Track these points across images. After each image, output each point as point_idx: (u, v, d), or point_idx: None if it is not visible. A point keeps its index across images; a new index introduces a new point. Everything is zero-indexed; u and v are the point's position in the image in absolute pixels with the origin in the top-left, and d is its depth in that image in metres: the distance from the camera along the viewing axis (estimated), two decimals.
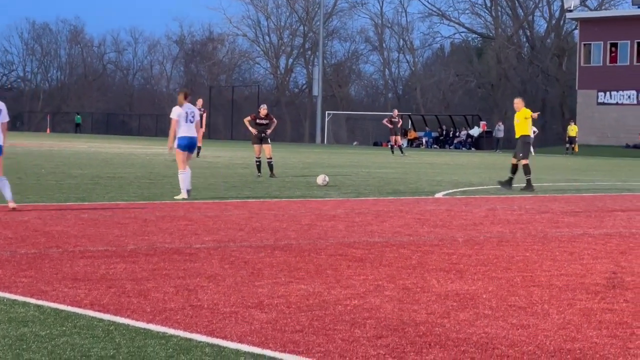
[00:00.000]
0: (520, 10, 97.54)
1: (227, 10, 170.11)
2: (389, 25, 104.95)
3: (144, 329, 6.88)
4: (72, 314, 7.34)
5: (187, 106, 18.39)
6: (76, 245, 11.15)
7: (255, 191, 20.56)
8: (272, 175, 25.33)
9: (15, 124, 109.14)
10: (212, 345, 6.44)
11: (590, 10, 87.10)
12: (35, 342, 6.44)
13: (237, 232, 12.88)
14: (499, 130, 68.91)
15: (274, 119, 26.18)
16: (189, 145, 18.40)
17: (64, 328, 6.85)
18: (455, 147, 74.26)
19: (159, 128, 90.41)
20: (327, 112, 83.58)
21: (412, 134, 77.75)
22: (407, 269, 9.94)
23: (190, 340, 6.58)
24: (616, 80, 70.41)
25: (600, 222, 15.67)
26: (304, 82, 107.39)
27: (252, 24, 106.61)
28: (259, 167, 25.72)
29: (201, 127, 35.88)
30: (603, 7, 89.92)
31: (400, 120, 48.85)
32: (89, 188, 20.16)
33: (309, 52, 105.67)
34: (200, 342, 6.53)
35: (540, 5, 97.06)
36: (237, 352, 6.26)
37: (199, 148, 35.88)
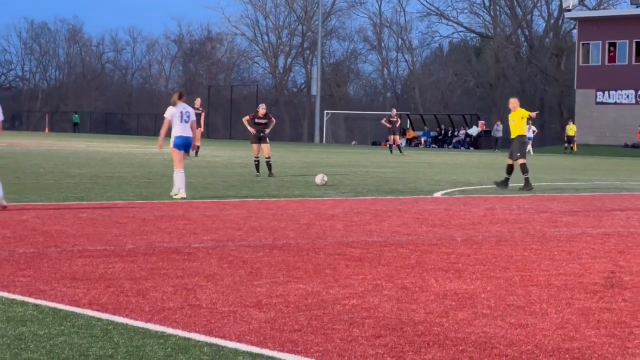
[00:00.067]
0: (519, 10, 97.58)
1: (225, 10, 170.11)
2: (388, 24, 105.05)
3: (143, 328, 6.88)
4: (71, 313, 7.34)
5: (182, 106, 18.38)
6: (75, 244, 11.15)
7: (253, 190, 20.56)
8: (270, 174, 25.33)
9: (14, 124, 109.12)
10: (210, 345, 6.44)
11: (589, 9, 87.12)
12: (34, 341, 6.43)
13: (235, 231, 12.88)
14: (498, 130, 68.93)
15: (273, 118, 26.18)
16: (184, 144, 18.42)
17: (63, 327, 6.85)
18: (454, 147, 74.28)
19: (158, 127, 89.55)
20: (325, 111, 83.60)
21: (410, 134, 77.77)
22: (406, 269, 9.94)
23: (188, 339, 6.58)
24: (615, 80, 70.43)
25: (599, 221, 15.68)
26: (303, 81, 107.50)
27: (251, 24, 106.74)
28: (257, 166, 25.72)
29: (200, 126, 35.92)
30: (601, 7, 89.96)
31: (399, 119, 48.85)
32: (87, 187, 20.16)
33: (308, 52, 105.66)
34: (199, 341, 6.53)
35: (538, 5, 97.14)
36: (236, 352, 6.26)
37: (198, 147, 35.89)
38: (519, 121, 23.31)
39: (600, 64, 72.37)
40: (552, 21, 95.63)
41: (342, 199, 18.99)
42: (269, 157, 25.63)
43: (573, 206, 18.58)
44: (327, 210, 16.41)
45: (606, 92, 71.36)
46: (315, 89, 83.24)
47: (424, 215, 15.99)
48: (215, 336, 6.67)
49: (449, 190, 22.22)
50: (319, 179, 22.54)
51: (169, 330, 6.81)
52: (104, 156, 37.17)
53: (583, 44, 73.69)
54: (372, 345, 6.50)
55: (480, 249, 11.66)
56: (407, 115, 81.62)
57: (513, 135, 23.48)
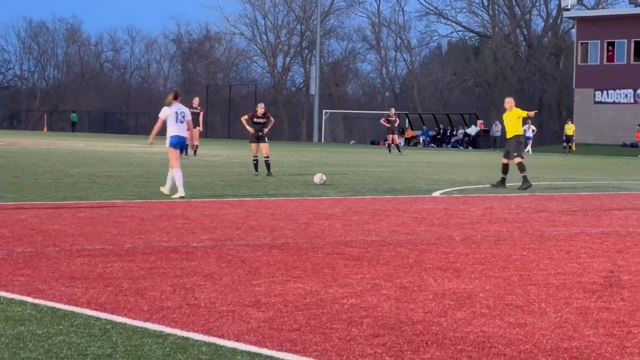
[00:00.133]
0: (518, 9, 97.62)
1: (224, 9, 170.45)
2: (386, 24, 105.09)
3: (141, 327, 6.88)
4: (69, 312, 7.34)
5: (177, 106, 18.42)
6: (73, 243, 11.14)
7: (252, 190, 20.56)
8: (269, 174, 25.33)
9: (12, 123, 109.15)
10: (209, 344, 6.43)
11: (588, 9, 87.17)
12: (32, 340, 6.43)
13: (234, 230, 12.88)
14: (496, 129, 68.94)
15: (271, 117, 26.18)
16: (180, 144, 18.48)
17: (61, 327, 6.84)
18: (453, 146, 74.28)
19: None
20: (324, 110, 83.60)
21: (409, 133, 77.76)
22: (404, 268, 9.94)
23: (187, 339, 6.57)
24: (613, 79, 70.46)
25: (597, 220, 15.68)
26: (301, 80, 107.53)
27: (250, 23, 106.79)
28: (256, 165, 25.72)
29: (198, 125, 35.92)
30: (600, 6, 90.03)
31: (398, 119, 48.87)
32: (85, 187, 20.15)
33: (306, 51, 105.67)
34: (197, 340, 6.53)
35: (537, 4, 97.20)
36: (234, 351, 6.26)
37: (196, 147, 35.88)
38: (516, 121, 23.33)
39: (598, 63, 72.40)
40: (550, 20, 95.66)
41: (341, 199, 18.99)
42: (268, 157, 25.63)
43: (571, 205, 18.58)
44: (325, 209, 16.41)
45: (605, 92, 71.39)
46: (313, 89, 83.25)
47: (423, 214, 15.99)
48: (214, 335, 6.67)
49: (447, 190, 22.22)
50: (318, 178, 22.54)
51: (168, 330, 6.80)
52: (102, 155, 37.16)
53: (582, 43, 73.71)
54: (371, 345, 6.50)
55: (478, 249, 11.66)
56: (406, 114, 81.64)
57: (510, 135, 23.49)
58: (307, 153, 48.76)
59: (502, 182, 23.18)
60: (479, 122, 76.21)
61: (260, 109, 25.75)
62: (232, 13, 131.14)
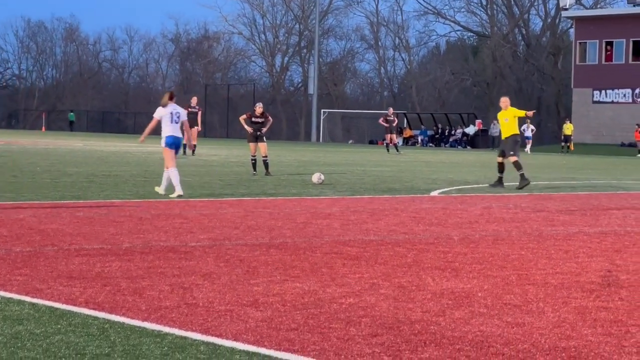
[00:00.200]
0: (516, 9, 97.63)
1: (222, 9, 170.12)
2: (385, 23, 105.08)
3: (139, 327, 6.88)
4: (67, 312, 7.33)
5: (172, 106, 18.46)
6: (71, 243, 11.14)
7: (250, 189, 20.56)
8: (267, 173, 25.33)
9: (11, 122, 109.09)
10: (207, 344, 6.43)
11: (586, 8, 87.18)
12: (30, 340, 6.43)
13: (232, 230, 12.88)
14: (495, 129, 68.94)
15: (270, 117, 26.18)
16: (175, 144, 18.51)
17: (59, 326, 6.84)
18: (451, 146, 74.28)
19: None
20: (322, 110, 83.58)
21: (407, 132, 77.76)
22: (403, 267, 9.94)
23: (185, 338, 6.57)
24: (611, 79, 70.48)
25: (596, 220, 15.69)
26: (300, 80, 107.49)
27: (248, 22, 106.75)
28: (254, 165, 25.72)
29: (197, 125, 35.91)
30: (598, 6, 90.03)
31: (396, 118, 48.86)
32: (84, 186, 20.15)
33: (305, 51, 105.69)
34: (195, 340, 6.52)
35: (535, 4, 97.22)
36: (232, 351, 6.26)
37: (195, 146, 35.87)
38: (512, 120, 23.35)
39: (597, 63, 72.42)
40: (549, 20, 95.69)
41: (339, 198, 18.99)
42: (266, 156, 25.64)
43: (570, 205, 18.59)
44: (324, 209, 16.41)
45: (603, 91, 71.40)
46: (312, 88, 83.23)
47: (421, 214, 15.99)
48: (212, 335, 6.67)
49: (446, 189, 22.22)
50: (316, 177, 22.54)
51: (166, 329, 6.80)
52: (100, 155, 37.16)
53: (580, 43, 73.73)
54: (369, 344, 6.49)
55: (477, 248, 11.66)
56: (404, 114, 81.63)
57: (507, 134, 23.49)
58: (306, 152, 48.76)
59: (500, 181, 23.20)
60: (478, 121, 76.21)
61: (259, 108, 25.75)
62: (230, 12, 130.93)
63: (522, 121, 24.15)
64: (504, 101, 23.67)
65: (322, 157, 41.90)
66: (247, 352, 6.21)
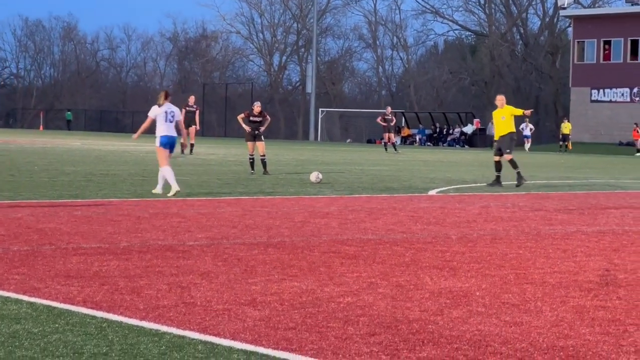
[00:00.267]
0: (514, 8, 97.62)
1: (220, 8, 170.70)
2: (383, 22, 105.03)
3: (137, 326, 6.87)
4: (65, 311, 7.33)
5: (167, 106, 18.49)
6: (69, 242, 11.13)
7: (248, 188, 20.56)
8: (265, 172, 25.32)
9: (8, 121, 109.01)
10: (205, 343, 6.43)
11: (584, 7, 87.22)
12: (28, 339, 6.42)
13: (230, 229, 12.87)
14: (493, 128, 68.95)
15: (268, 116, 26.18)
16: (169, 143, 18.54)
17: (57, 325, 6.84)
18: (449, 145, 74.27)
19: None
20: (320, 109, 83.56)
21: (405, 132, 77.75)
22: (401, 267, 9.93)
23: (183, 337, 6.57)
24: (609, 78, 70.50)
25: (594, 219, 15.69)
26: (298, 79, 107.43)
27: (246, 21, 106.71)
28: (252, 164, 25.71)
29: (195, 124, 35.90)
30: (597, 5, 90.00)
31: (394, 117, 48.86)
32: (82, 185, 20.14)
33: (303, 50, 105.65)
34: (193, 339, 6.52)
35: (533, 3, 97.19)
36: (230, 350, 6.26)
37: (192, 145, 35.85)
38: (509, 118, 23.41)
39: (595, 62, 72.44)
40: (547, 19, 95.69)
41: (337, 197, 18.99)
42: (264, 155, 25.63)
43: (568, 204, 18.59)
44: (321, 208, 16.41)
45: (601, 90, 71.43)
46: (310, 87, 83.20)
47: (419, 213, 15.99)
48: (210, 334, 6.66)
49: (443, 188, 22.22)
50: (314, 176, 22.53)
51: (164, 328, 6.80)
52: (98, 154, 37.14)
53: (578, 42, 73.74)
54: (367, 343, 6.49)
55: (475, 247, 11.66)
56: (402, 113, 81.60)
57: (504, 132, 23.52)
58: (304, 151, 48.75)
59: (498, 180, 23.21)
60: (476, 120, 76.20)
61: (257, 107, 25.74)
62: (228, 11, 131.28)
63: (520, 120, 24.19)
64: (500, 99, 23.71)
65: (320, 156, 41.90)
66: (245, 351, 6.21)
